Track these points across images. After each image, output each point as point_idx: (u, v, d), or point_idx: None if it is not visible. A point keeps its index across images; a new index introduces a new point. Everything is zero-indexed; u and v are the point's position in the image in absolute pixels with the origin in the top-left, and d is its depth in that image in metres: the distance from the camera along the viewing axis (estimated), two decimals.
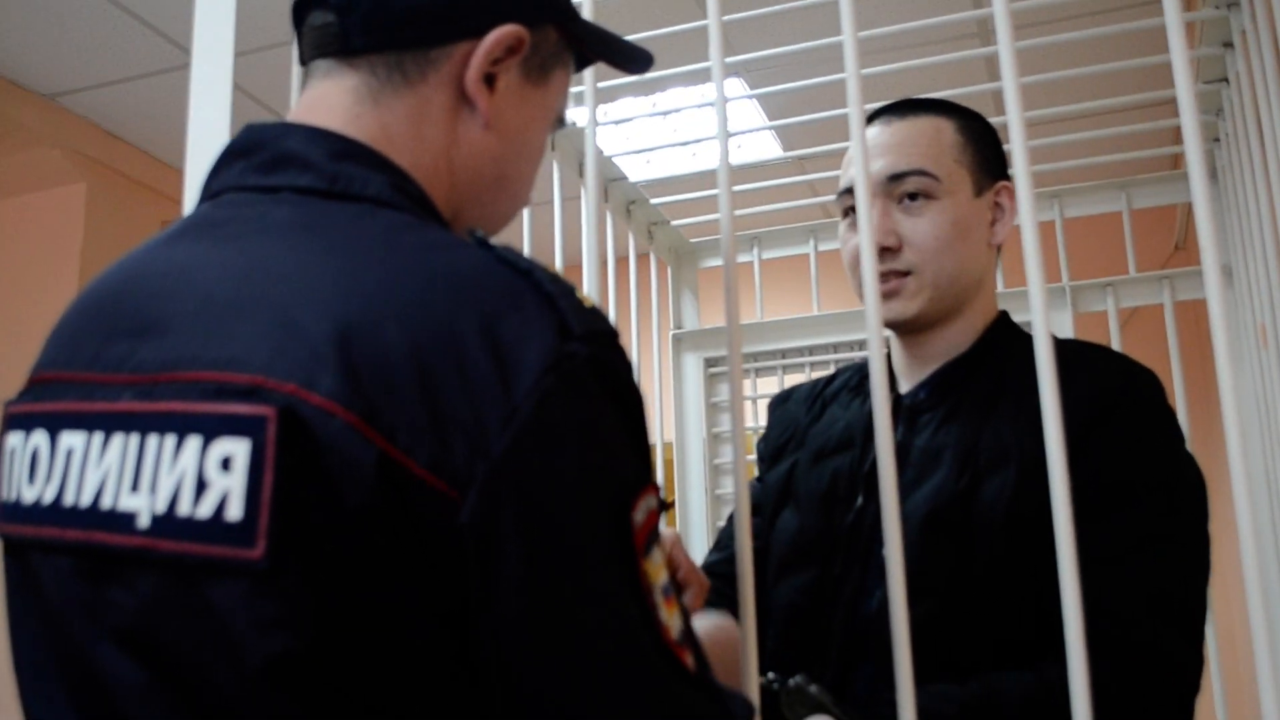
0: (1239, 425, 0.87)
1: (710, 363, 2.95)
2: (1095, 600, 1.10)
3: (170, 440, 0.73)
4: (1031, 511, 1.21)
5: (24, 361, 0.89)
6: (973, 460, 1.29)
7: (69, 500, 0.77)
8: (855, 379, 1.56)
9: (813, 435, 1.51)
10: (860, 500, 1.37)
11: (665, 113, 2.62)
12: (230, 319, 0.74)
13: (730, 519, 1.67)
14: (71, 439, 0.78)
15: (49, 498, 0.78)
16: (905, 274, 1.37)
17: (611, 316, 2.63)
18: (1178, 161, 4.05)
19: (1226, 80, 2.28)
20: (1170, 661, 1.17)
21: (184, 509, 0.71)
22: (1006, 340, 1.42)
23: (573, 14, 0.96)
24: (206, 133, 1.36)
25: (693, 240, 3.05)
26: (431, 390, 0.69)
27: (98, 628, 0.75)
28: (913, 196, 1.37)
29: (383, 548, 0.68)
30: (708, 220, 2.85)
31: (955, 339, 1.42)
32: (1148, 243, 2.69)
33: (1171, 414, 1.30)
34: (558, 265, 2.30)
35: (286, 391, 0.69)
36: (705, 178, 2.77)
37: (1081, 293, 2.57)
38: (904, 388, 1.45)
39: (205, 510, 0.70)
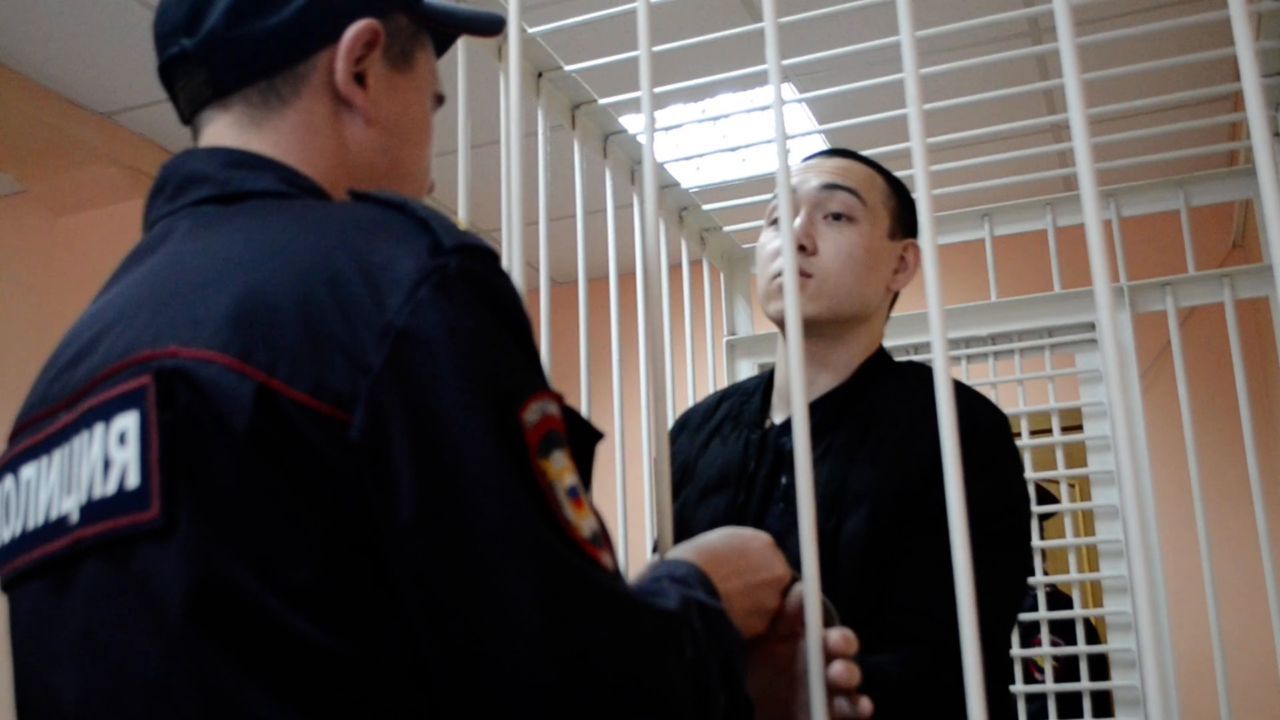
0: None
1: (764, 368, 2.93)
2: (911, 600, 1.32)
3: (85, 435, 0.78)
4: (885, 545, 1.35)
5: None
6: (839, 501, 1.38)
7: (31, 526, 0.82)
8: (737, 408, 1.63)
9: (700, 468, 1.58)
10: None
11: (715, 118, 2.62)
12: (131, 316, 0.81)
13: None
14: (29, 472, 0.84)
15: (17, 531, 0.84)
16: (808, 276, 1.49)
17: (665, 323, 2.63)
18: (1233, 158, 4.00)
19: None
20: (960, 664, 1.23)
21: (98, 491, 0.76)
22: (878, 374, 1.52)
23: None
24: None
25: (745, 246, 3.03)
26: (313, 323, 0.72)
27: (53, 645, 0.79)
28: (837, 216, 1.50)
29: (274, 478, 0.70)
30: (761, 226, 2.83)
31: (836, 369, 1.52)
32: (1202, 241, 2.65)
33: (1012, 446, 1.45)
34: (611, 273, 2.30)
35: (166, 354, 0.75)
36: (757, 183, 2.77)
37: (1140, 292, 2.54)
38: (778, 417, 1.54)
39: (112, 486, 0.75)
